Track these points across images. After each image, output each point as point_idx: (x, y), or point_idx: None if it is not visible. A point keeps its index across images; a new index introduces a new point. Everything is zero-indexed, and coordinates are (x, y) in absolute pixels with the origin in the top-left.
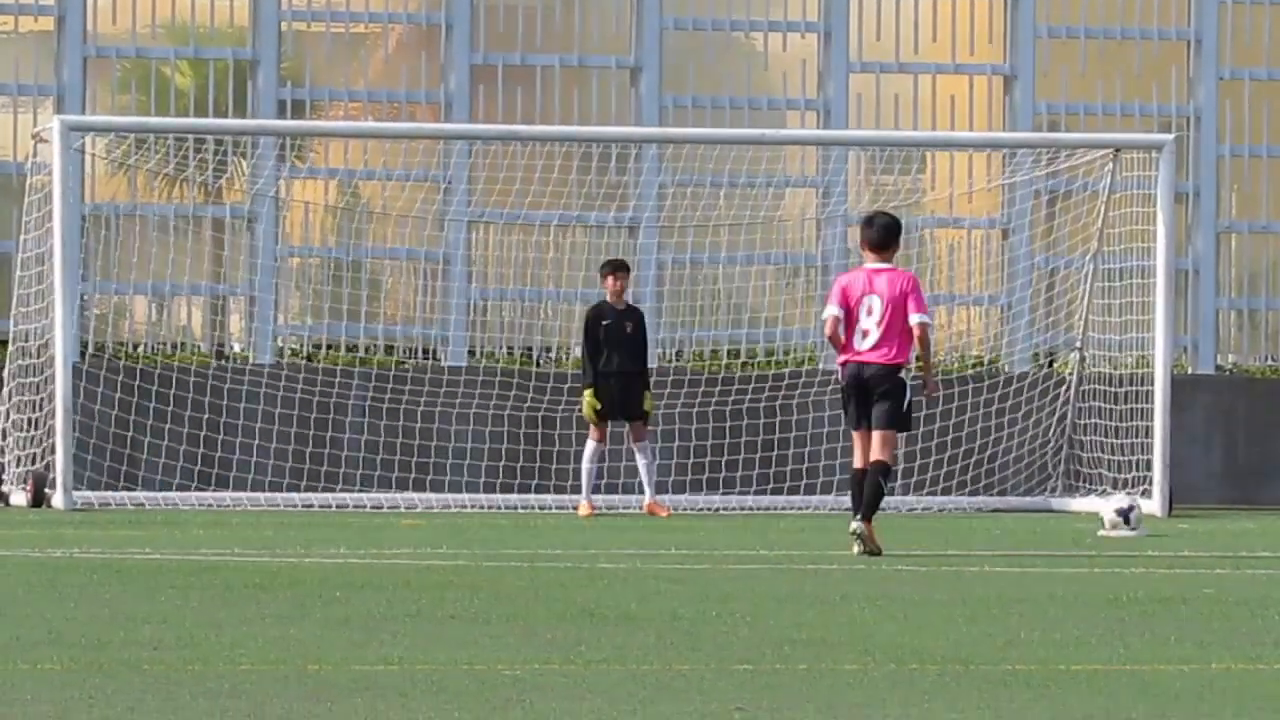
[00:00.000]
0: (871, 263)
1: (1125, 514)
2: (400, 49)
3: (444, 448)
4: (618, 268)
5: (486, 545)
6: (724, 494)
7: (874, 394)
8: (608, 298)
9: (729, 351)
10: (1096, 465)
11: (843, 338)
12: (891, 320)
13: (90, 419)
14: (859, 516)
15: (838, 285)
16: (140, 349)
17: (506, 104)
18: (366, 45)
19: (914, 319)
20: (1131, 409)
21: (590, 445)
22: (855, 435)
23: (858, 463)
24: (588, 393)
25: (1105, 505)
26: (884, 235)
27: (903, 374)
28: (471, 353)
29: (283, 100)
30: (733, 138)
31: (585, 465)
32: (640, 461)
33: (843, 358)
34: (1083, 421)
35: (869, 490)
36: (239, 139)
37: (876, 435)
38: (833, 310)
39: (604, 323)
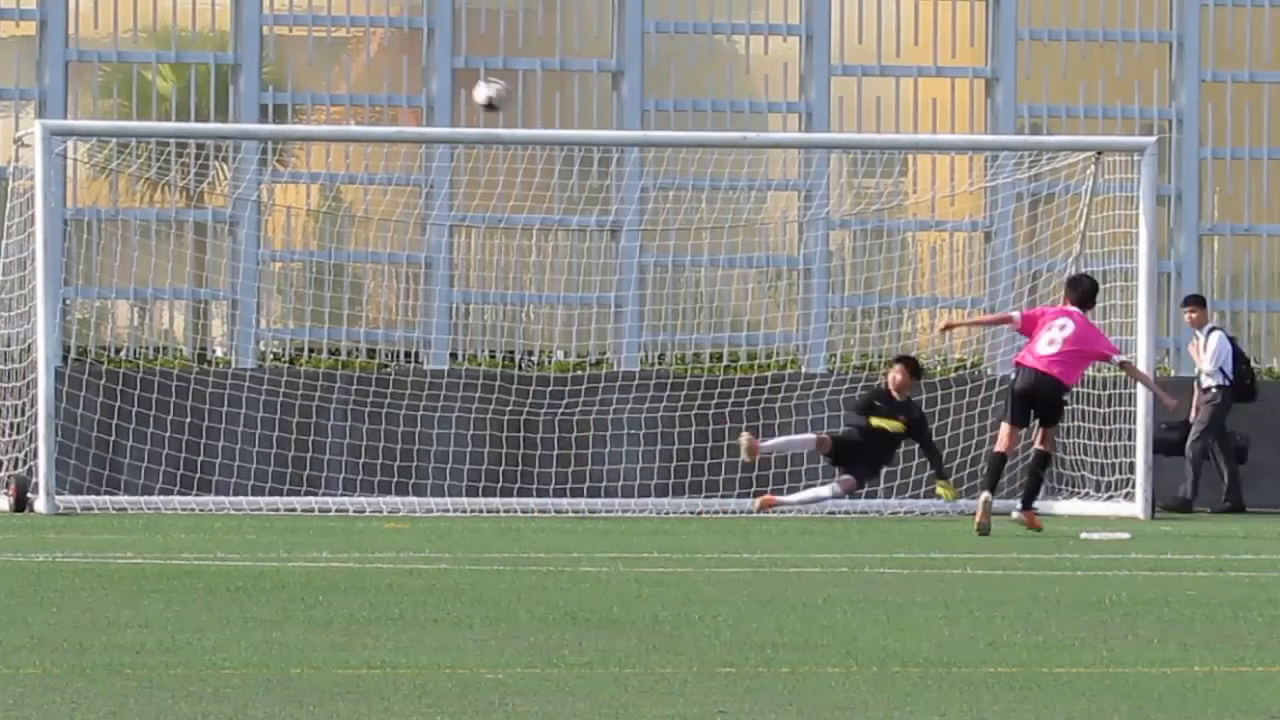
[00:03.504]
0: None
1: None
2: (382, 53)
3: (426, 451)
4: (905, 362)
5: (469, 549)
6: (706, 497)
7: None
8: (890, 387)
9: (711, 355)
10: (1079, 468)
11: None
12: (1077, 344)
13: (72, 423)
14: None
15: (1032, 311)
16: (122, 353)
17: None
18: (348, 49)
19: (1116, 359)
20: (1114, 411)
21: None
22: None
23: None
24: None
25: None
26: (1091, 294)
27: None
28: (453, 356)
29: (264, 104)
30: (714, 141)
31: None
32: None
33: (1018, 361)
34: (1065, 424)
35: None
36: (221, 143)
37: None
38: (1016, 314)
39: (876, 404)
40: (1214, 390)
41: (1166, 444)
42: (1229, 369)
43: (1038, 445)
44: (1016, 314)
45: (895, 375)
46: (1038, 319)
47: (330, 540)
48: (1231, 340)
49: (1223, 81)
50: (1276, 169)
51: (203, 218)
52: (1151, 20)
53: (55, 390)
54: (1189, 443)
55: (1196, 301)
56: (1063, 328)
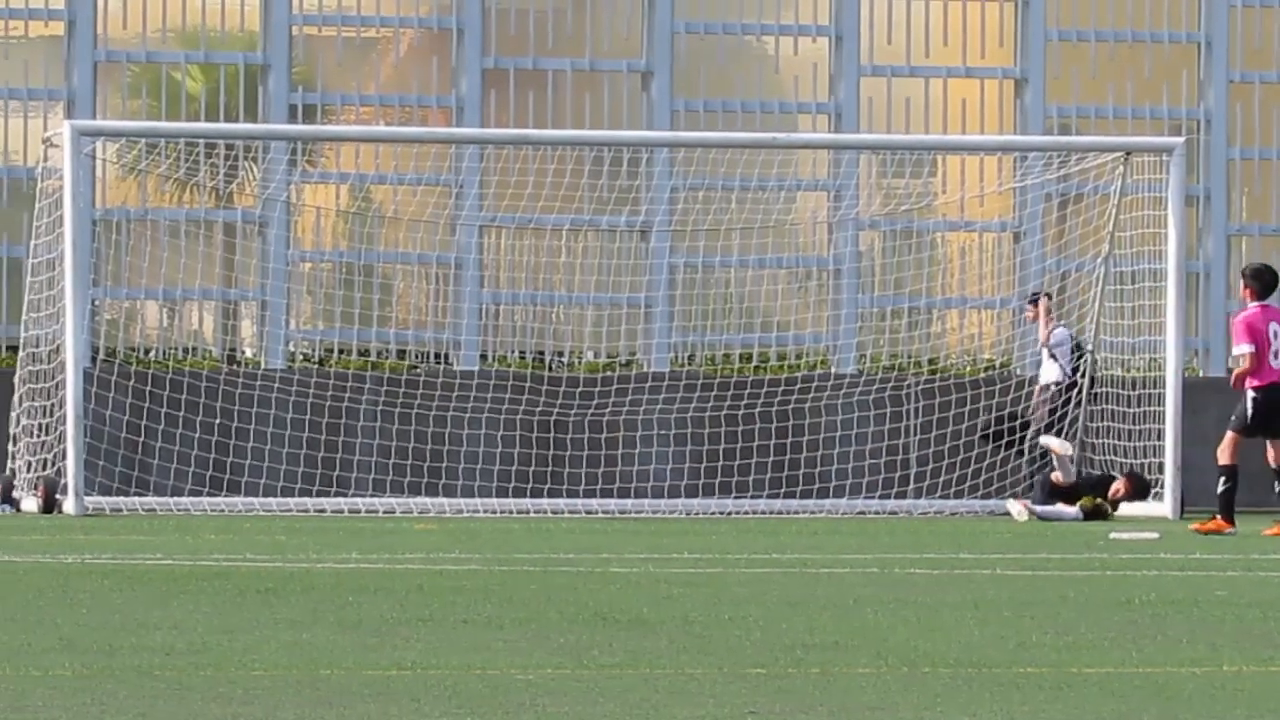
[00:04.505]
0: (1261, 302)
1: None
2: (411, 53)
3: (456, 452)
4: (1133, 482)
5: (498, 549)
6: (736, 498)
7: None
8: (1111, 488)
9: (741, 355)
10: (1109, 468)
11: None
12: None
13: (101, 424)
14: None
15: (1244, 324)
16: (151, 354)
17: (518, 108)
18: (377, 49)
19: None
20: (1143, 411)
21: None
22: (1236, 439)
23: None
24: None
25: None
26: (1273, 285)
27: None
28: (483, 357)
29: (293, 105)
30: (744, 141)
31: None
32: None
33: (1264, 380)
34: (1095, 424)
35: None
36: (250, 143)
37: None
38: (1248, 348)
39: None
40: (1050, 387)
41: (996, 434)
42: (1067, 366)
43: None
44: (1248, 347)
45: (1119, 487)
46: (1259, 332)
47: (360, 541)
48: (1074, 338)
49: (1251, 82)
50: None
51: (232, 218)
52: (1180, 21)
53: (84, 391)
54: (1028, 440)
55: (1038, 299)
56: (1276, 335)
